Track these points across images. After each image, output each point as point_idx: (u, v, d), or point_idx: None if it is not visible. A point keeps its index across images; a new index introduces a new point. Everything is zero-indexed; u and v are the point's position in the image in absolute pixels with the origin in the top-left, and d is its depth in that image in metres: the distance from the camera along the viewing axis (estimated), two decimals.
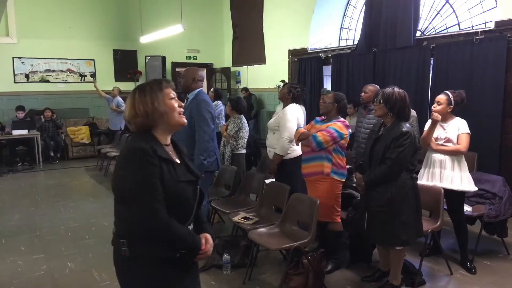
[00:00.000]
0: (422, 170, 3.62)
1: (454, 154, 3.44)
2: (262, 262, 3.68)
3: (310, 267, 3.06)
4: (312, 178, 3.46)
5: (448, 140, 3.44)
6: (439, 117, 3.42)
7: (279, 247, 3.18)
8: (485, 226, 3.68)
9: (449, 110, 3.46)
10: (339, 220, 3.46)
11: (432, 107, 3.54)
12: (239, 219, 3.65)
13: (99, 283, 3.37)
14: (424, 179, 3.53)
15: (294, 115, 3.81)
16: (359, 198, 3.40)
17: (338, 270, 3.49)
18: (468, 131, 3.44)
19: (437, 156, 3.51)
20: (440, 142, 3.48)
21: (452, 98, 3.45)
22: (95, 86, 9.13)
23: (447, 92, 3.52)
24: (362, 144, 3.92)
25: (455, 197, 3.41)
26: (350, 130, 3.58)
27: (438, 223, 3.31)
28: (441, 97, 3.50)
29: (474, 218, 3.73)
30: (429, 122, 3.58)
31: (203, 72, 3.85)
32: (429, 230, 3.25)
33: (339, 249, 3.60)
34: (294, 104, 3.91)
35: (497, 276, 3.41)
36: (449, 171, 3.44)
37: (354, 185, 3.56)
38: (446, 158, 3.46)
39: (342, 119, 3.46)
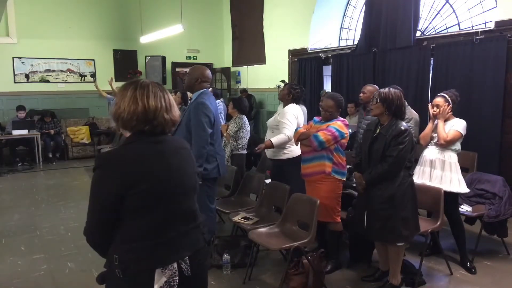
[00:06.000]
0: (416, 168, 3.63)
1: (441, 144, 3.46)
2: (262, 262, 3.68)
3: (310, 267, 3.06)
4: (313, 178, 3.43)
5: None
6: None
7: (279, 247, 3.18)
8: (485, 226, 3.68)
9: (449, 110, 3.48)
10: (340, 220, 3.45)
11: (432, 112, 3.55)
12: (239, 219, 3.65)
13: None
14: (415, 177, 3.52)
15: (294, 115, 3.82)
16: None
17: (338, 270, 3.49)
18: (460, 131, 3.43)
19: (428, 156, 3.55)
20: (434, 141, 3.51)
21: (449, 98, 3.48)
22: (96, 86, 9.03)
23: (441, 94, 3.54)
24: None
25: (447, 197, 3.40)
26: (350, 130, 3.58)
27: (438, 223, 3.31)
28: (439, 100, 3.51)
29: (474, 218, 3.74)
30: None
31: (210, 73, 3.57)
32: (429, 230, 3.26)
33: (339, 249, 3.60)
34: (294, 104, 3.92)
35: (497, 276, 3.41)
36: (438, 171, 3.47)
37: (354, 185, 3.56)
38: (437, 159, 3.49)
39: (341, 118, 3.46)
